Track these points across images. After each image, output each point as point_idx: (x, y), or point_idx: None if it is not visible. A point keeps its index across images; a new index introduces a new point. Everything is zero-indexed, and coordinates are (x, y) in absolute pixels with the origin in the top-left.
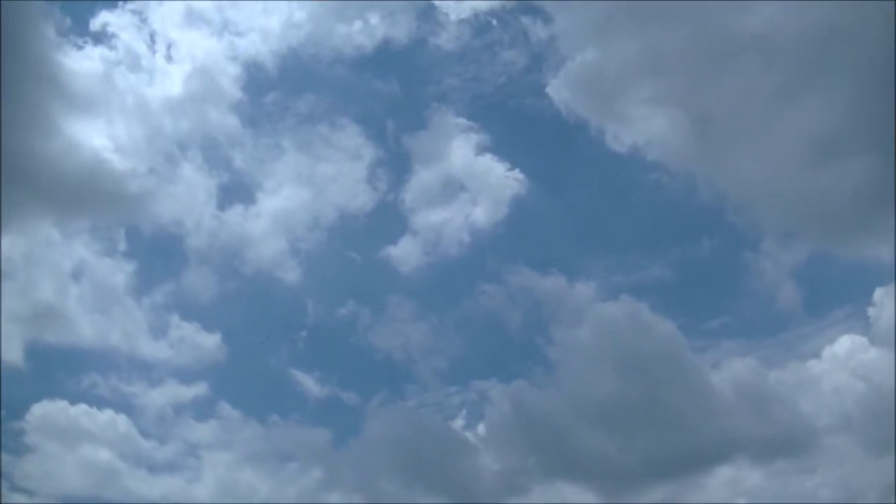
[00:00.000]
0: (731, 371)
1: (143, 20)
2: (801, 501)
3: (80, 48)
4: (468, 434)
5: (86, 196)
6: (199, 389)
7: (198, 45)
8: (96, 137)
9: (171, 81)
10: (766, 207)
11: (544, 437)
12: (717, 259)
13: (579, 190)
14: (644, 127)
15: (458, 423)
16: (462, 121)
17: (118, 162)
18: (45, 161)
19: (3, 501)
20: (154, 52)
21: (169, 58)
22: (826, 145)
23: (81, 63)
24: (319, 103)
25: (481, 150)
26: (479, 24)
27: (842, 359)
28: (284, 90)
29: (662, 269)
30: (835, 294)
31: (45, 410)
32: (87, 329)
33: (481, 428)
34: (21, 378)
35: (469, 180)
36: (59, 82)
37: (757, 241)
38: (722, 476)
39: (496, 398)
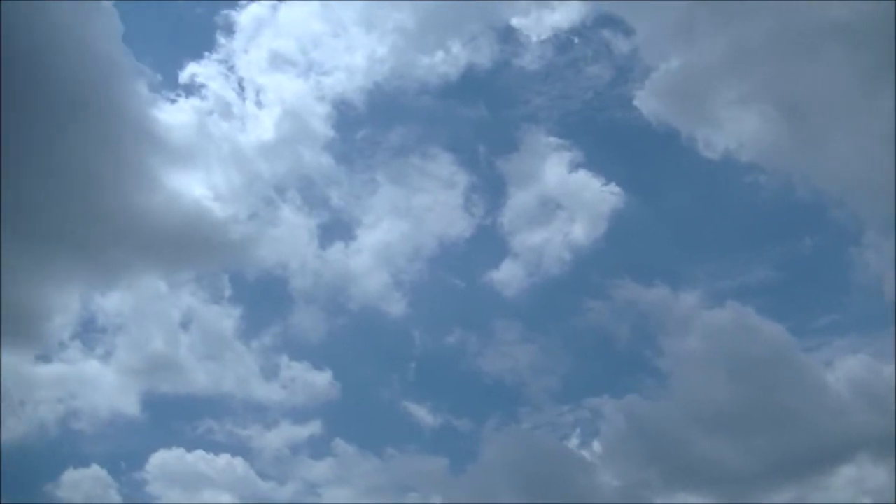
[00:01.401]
0: (844, 369)
1: (230, 68)
2: None
3: (173, 102)
4: (584, 452)
5: (189, 246)
6: (314, 428)
7: (285, 88)
8: (196, 188)
9: (263, 126)
10: (866, 199)
11: (661, 449)
12: (821, 256)
13: (676, 198)
14: (735, 128)
15: (574, 441)
16: (553, 139)
17: (219, 210)
18: (148, 215)
19: None
20: (244, 98)
21: (259, 103)
22: None
23: (175, 116)
24: (409, 135)
25: (575, 166)
26: (560, 42)
27: None
28: (374, 125)
29: (766, 270)
30: None
31: (163, 459)
32: (199, 376)
33: (597, 445)
34: (138, 429)
35: (565, 198)
36: (156, 137)
37: (859, 235)
38: (845, 476)
39: (609, 414)
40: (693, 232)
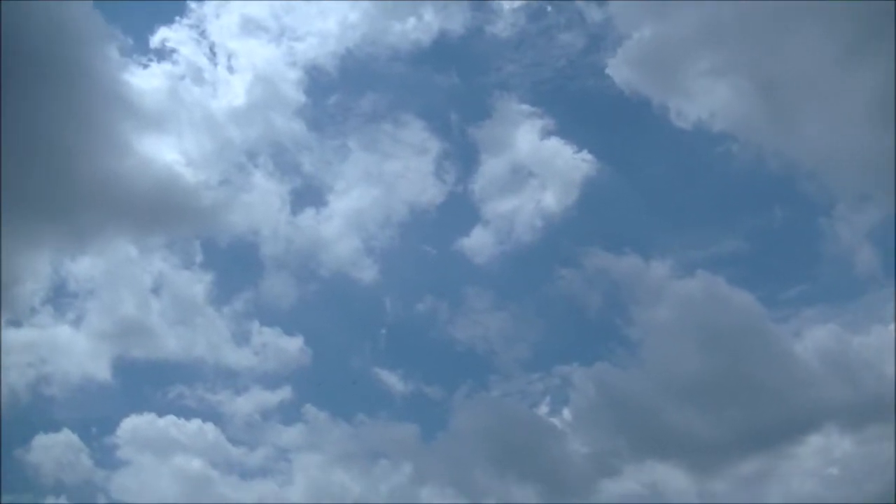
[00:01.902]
0: (813, 339)
1: (202, 33)
2: (893, 467)
3: (144, 66)
4: (554, 419)
5: (161, 211)
6: (285, 394)
7: (257, 54)
8: (168, 153)
9: (235, 91)
10: (838, 171)
11: (631, 418)
12: (791, 227)
13: (648, 167)
14: (708, 99)
15: (544, 409)
16: (525, 107)
17: (190, 175)
18: (119, 180)
19: None
20: (215, 64)
21: (230, 68)
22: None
23: (147, 81)
24: (382, 101)
25: (547, 134)
26: (533, 10)
27: None
28: (346, 91)
29: (737, 241)
30: None
31: (134, 424)
32: (170, 342)
33: (567, 412)
34: (109, 394)
35: (537, 165)
36: (127, 102)
37: (830, 206)
38: (813, 445)
39: (579, 382)
40: (664, 201)
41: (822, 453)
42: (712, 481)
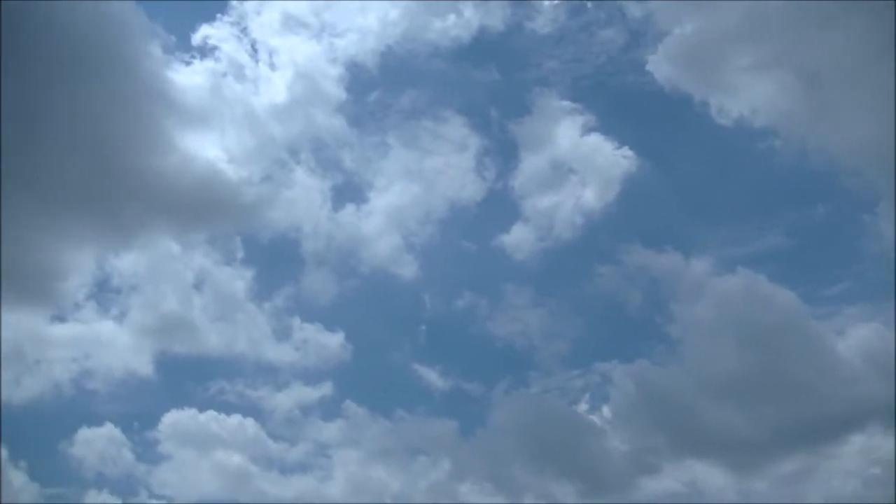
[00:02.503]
0: (856, 337)
1: (243, 30)
2: None
3: (187, 63)
4: (594, 417)
5: (203, 207)
6: (325, 389)
7: (298, 50)
8: (210, 149)
9: (276, 88)
10: (881, 167)
11: (671, 415)
12: (834, 224)
13: (689, 164)
14: (749, 95)
15: (583, 406)
16: (566, 103)
17: (232, 172)
18: (162, 177)
19: None
20: (257, 60)
21: (272, 65)
22: None
23: (190, 78)
24: (422, 97)
25: (587, 130)
26: (573, 6)
27: None
28: (386, 87)
29: (778, 237)
30: None
31: (175, 419)
32: (211, 337)
33: (606, 410)
34: (151, 389)
35: (577, 162)
36: (170, 99)
37: (873, 203)
38: (855, 445)
39: (619, 379)
40: (705, 197)
41: (865, 453)
42: (752, 480)
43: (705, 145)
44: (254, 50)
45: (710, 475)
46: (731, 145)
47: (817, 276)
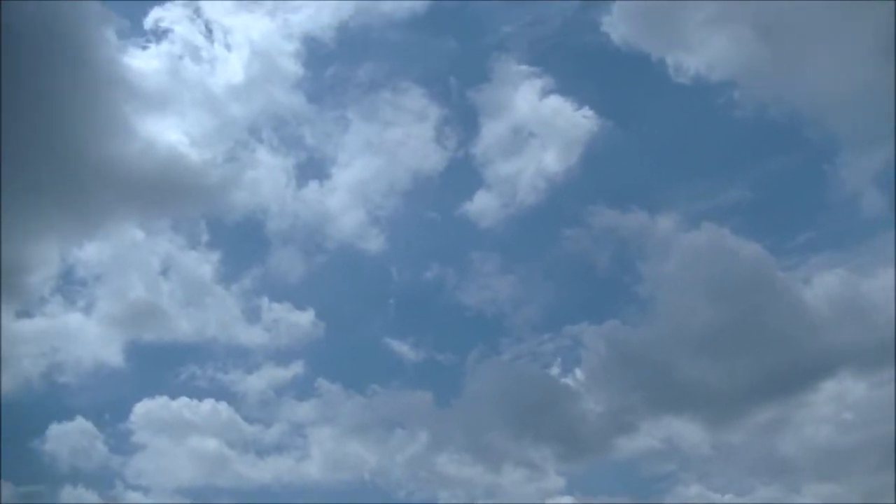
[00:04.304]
0: (823, 285)
1: (196, 11)
2: None
3: (143, 48)
4: (567, 380)
5: (167, 192)
6: (297, 369)
7: (253, 28)
8: (171, 133)
9: (233, 68)
10: (841, 116)
11: (644, 374)
12: (796, 174)
13: (650, 122)
14: (706, 50)
15: (556, 370)
16: (524, 67)
17: (195, 155)
18: (124, 164)
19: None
20: (212, 41)
21: (227, 45)
22: None
23: (147, 62)
24: (379, 70)
25: (546, 93)
26: None
27: None
28: (343, 61)
29: (741, 191)
30: None
31: (147, 408)
32: (180, 323)
33: (579, 372)
34: (122, 379)
35: (538, 126)
36: (128, 84)
37: (834, 152)
38: (827, 391)
39: (590, 341)
40: (667, 155)
41: (837, 399)
42: (728, 433)
43: (665, 103)
44: (208, 30)
45: (686, 430)
46: (690, 101)
47: (781, 227)
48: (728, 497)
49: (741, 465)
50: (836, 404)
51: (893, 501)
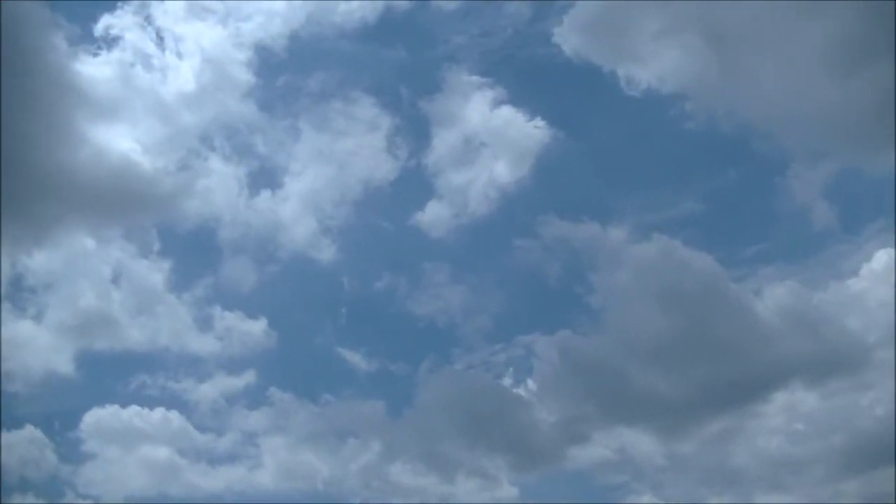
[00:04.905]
0: (773, 297)
1: (146, 18)
2: (857, 419)
3: (94, 55)
4: (520, 390)
5: (118, 201)
6: (249, 377)
7: (204, 36)
8: (123, 141)
9: (185, 76)
10: (791, 129)
11: (596, 384)
12: (746, 187)
13: (601, 133)
14: (658, 62)
15: (508, 380)
16: (475, 78)
17: (147, 163)
18: (74, 172)
19: None
20: (163, 49)
21: (178, 53)
22: (847, 54)
23: (98, 69)
24: (331, 79)
25: (498, 104)
26: None
27: (881, 274)
28: (295, 70)
29: (692, 203)
30: (867, 209)
31: (97, 417)
32: (131, 331)
33: (531, 382)
34: (72, 387)
35: (489, 136)
36: (79, 91)
37: (785, 165)
38: (778, 402)
39: (542, 351)
40: (618, 166)
41: (788, 410)
42: (680, 443)
43: (617, 114)
44: (159, 38)
45: (639, 441)
46: (641, 113)
47: (732, 238)
48: None
49: (694, 476)
50: (787, 415)
51: None
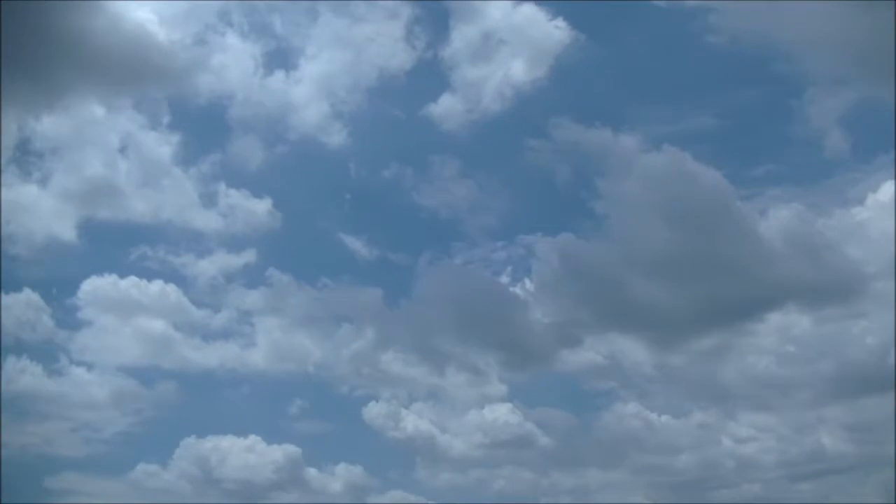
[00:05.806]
0: (778, 218)
1: None
2: (848, 347)
3: None
4: (517, 289)
5: (131, 70)
6: (249, 257)
7: None
8: (140, 10)
9: None
10: (814, 54)
11: (594, 289)
12: (762, 107)
13: (623, 39)
14: None
15: (506, 278)
16: None
17: (163, 34)
18: (89, 37)
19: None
20: None
21: None
22: None
23: None
24: None
25: (520, 0)
26: None
27: (886, 205)
28: None
29: (706, 118)
30: (880, 141)
31: (95, 285)
32: (136, 203)
33: (529, 282)
34: (71, 254)
35: (509, 33)
36: None
37: (803, 89)
38: (772, 323)
39: (543, 252)
40: (636, 74)
41: (781, 331)
42: (671, 355)
43: (639, 21)
44: None
45: (630, 349)
46: (665, 22)
47: (743, 157)
48: (665, 418)
49: (681, 388)
50: (779, 336)
51: None
